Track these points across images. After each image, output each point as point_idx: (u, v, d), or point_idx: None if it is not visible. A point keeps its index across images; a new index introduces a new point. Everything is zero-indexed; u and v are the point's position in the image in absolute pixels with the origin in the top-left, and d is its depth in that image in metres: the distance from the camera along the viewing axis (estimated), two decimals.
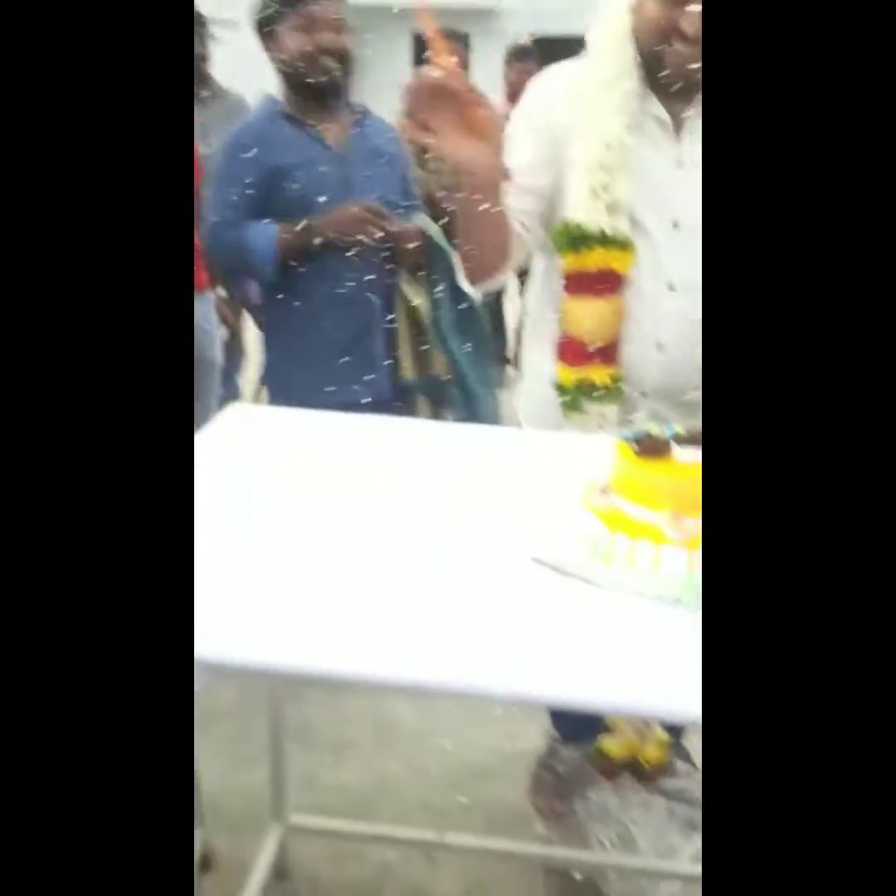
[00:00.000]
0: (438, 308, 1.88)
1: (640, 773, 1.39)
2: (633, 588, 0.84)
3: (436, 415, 1.96)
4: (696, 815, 1.63)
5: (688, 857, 1.58)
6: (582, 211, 1.22)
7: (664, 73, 1.15)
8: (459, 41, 3.56)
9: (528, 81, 4.26)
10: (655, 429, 0.90)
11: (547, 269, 1.36)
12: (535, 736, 1.88)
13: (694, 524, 0.82)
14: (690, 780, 1.69)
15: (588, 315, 1.25)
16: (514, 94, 3.94)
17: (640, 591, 0.84)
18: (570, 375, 1.28)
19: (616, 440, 0.91)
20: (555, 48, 1.31)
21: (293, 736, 1.83)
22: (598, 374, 1.26)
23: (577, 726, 1.75)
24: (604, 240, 1.21)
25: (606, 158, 1.19)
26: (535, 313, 1.37)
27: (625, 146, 1.19)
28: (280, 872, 1.51)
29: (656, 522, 0.84)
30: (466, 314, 1.91)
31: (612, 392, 1.27)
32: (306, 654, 0.76)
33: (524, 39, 4.30)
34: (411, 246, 1.82)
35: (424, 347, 1.91)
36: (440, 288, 1.85)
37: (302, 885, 1.52)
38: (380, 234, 1.80)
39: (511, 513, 0.99)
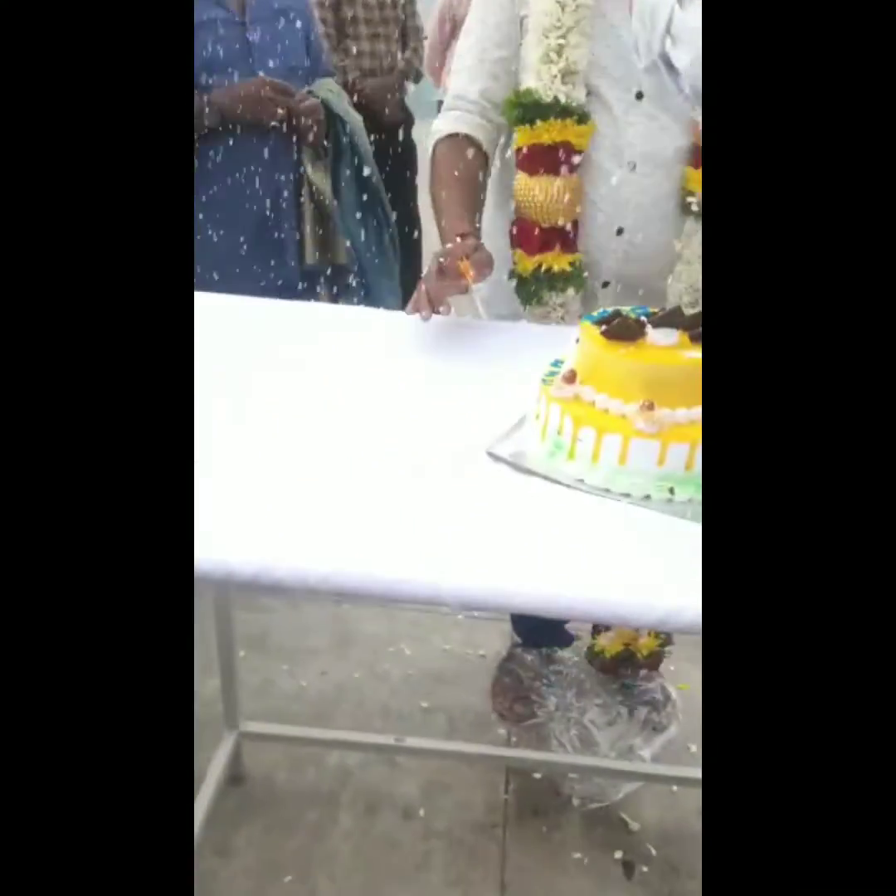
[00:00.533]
0: (340, 190, 1.76)
1: (636, 664, 1.39)
2: (598, 485, 0.77)
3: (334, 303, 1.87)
4: (657, 716, 1.64)
5: (647, 756, 1.58)
6: (534, 77, 1.10)
7: None
8: None
9: None
10: (626, 309, 0.81)
11: (503, 149, 1.24)
12: (497, 640, 1.86)
13: (667, 414, 0.74)
14: (651, 683, 1.68)
15: (543, 193, 1.14)
16: None
17: (607, 488, 0.77)
18: (528, 263, 1.18)
19: (582, 322, 0.81)
20: None
21: (250, 645, 1.80)
22: (557, 261, 1.17)
23: (538, 630, 1.74)
24: (558, 110, 1.09)
25: (560, 18, 1.07)
26: (492, 199, 1.26)
27: (580, 5, 1.07)
28: (235, 779, 1.49)
29: (626, 413, 0.76)
30: (369, 197, 1.81)
31: (573, 279, 1.17)
32: (252, 559, 0.67)
33: None
34: (313, 122, 1.69)
35: (327, 233, 1.80)
36: (342, 170, 1.74)
37: (257, 791, 1.50)
38: (282, 112, 1.65)
39: (467, 405, 0.91)
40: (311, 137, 1.70)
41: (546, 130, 1.11)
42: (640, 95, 1.11)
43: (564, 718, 1.59)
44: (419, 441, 0.84)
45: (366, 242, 1.80)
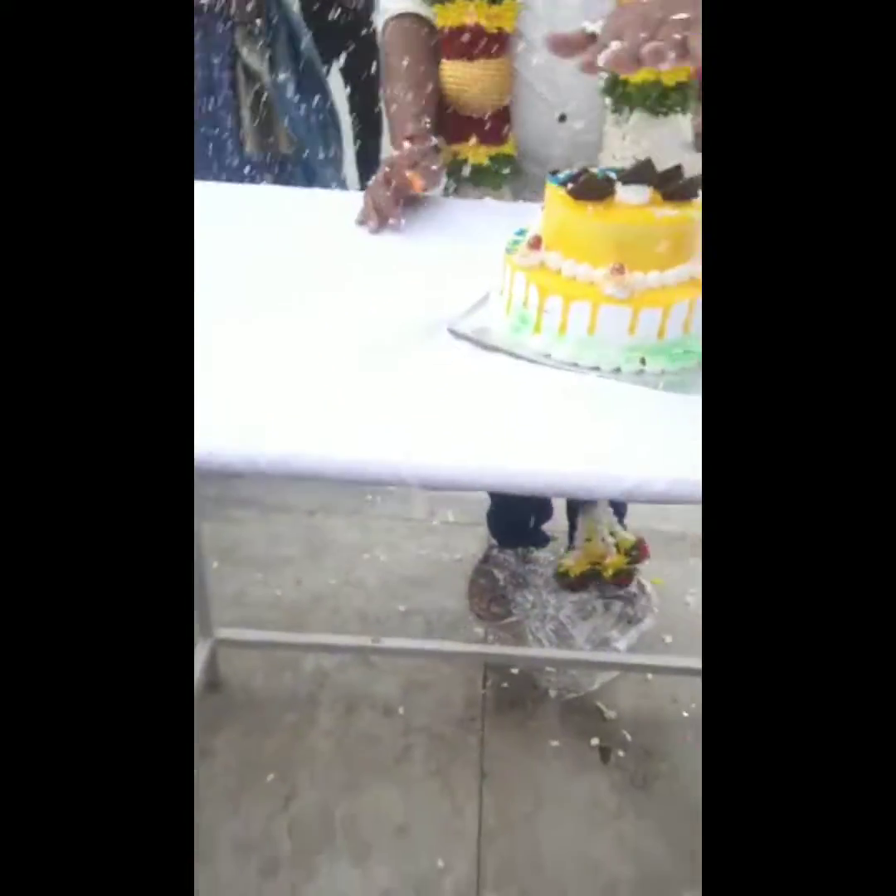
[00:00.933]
0: (276, 75, 1.65)
1: (602, 582, 1.36)
2: (566, 358, 0.73)
3: None
4: (632, 610, 1.65)
5: (622, 647, 1.60)
6: None
7: None
8: None
9: None
10: (593, 168, 0.76)
11: None
12: (473, 544, 1.86)
13: (639, 278, 0.70)
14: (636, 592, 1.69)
15: (461, 79, 1.06)
16: None
17: (575, 361, 0.73)
18: (444, 154, 1.10)
19: (547, 183, 0.76)
20: None
21: (222, 557, 1.78)
22: (474, 154, 1.10)
23: (514, 531, 1.73)
24: None
25: None
26: None
27: None
28: (212, 685, 1.49)
29: (594, 279, 0.71)
30: (307, 77, 1.70)
31: (489, 175, 1.11)
32: (201, 444, 0.63)
33: None
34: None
35: (267, 120, 1.70)
36: (280, 47, 1.63)
37: (235, 695, 1.50)
38: None
39: (430, 283, 0.85)
40: (243, 16, 1.58)
41: (455, 12, 1.02)
42: None
43: (540, 615, 1.60)
44: (378, 320, 0.80)
45: (306, 127, 1.70)
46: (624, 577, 1.40)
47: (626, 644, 1.59)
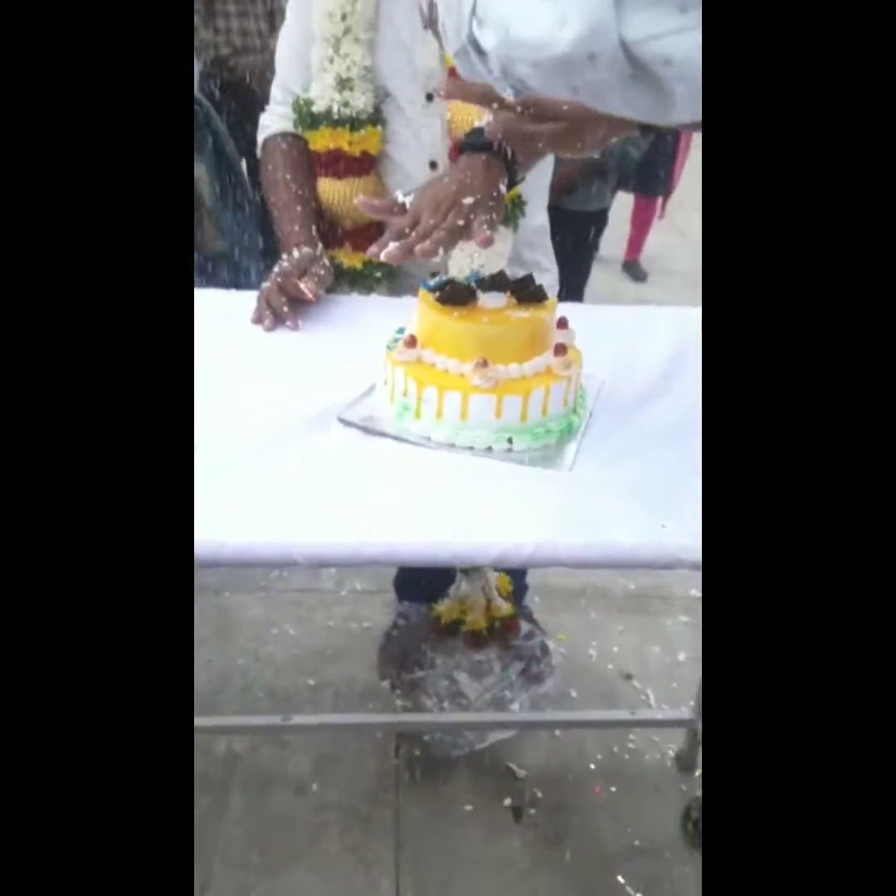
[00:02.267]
0: (208, 177, 1.75)
1: (467, 636, 1.41)
2: (443, 440, 0.81)
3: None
4: (535, 668, 1.71)
5: (517, 707, 1.64)
6: (316, 85, 1.12)
7: None
8: None
9: None
10: (459, 276, 0.86)
11: None
12: (381, 612, 1.90)
13: (501, 370, 0.79)
14: (530, 641, 1.75)
15: (332, 196, 1.17)
16: None
17: (451, 443, 0.81)
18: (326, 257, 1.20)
19: (420, 290, 0.85)
20: None
21: None
22: (348, 258, 1.21)
23: (420, 585, 1.77)
24: (331, 119, 1.12)
25: (328, 29, 1.08)
26: None
27: (348, 13, 1.08)
28: None
29: (463, 372, 0.80)
30: (235, 183, 1.81)
31: (362, 277, 1.22)
32: None
33: None
34: None
35: (197, 222, 1.79)
36: (205, 150, 1.73)
37: None
38: None
39: (315, 378, 0.93)
40: None
41: (321, 138, 1.13)
42: (430, 97, 1.13)
43: (437, 675, 1.64)
44: (273, 411, 0.86)
45: (233, 225, 1.78)
46: (477, 639, 1.44)
47: (526, 702, 1.65)
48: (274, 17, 3.33)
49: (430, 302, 0.83)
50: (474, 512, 0.72)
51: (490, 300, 0.82)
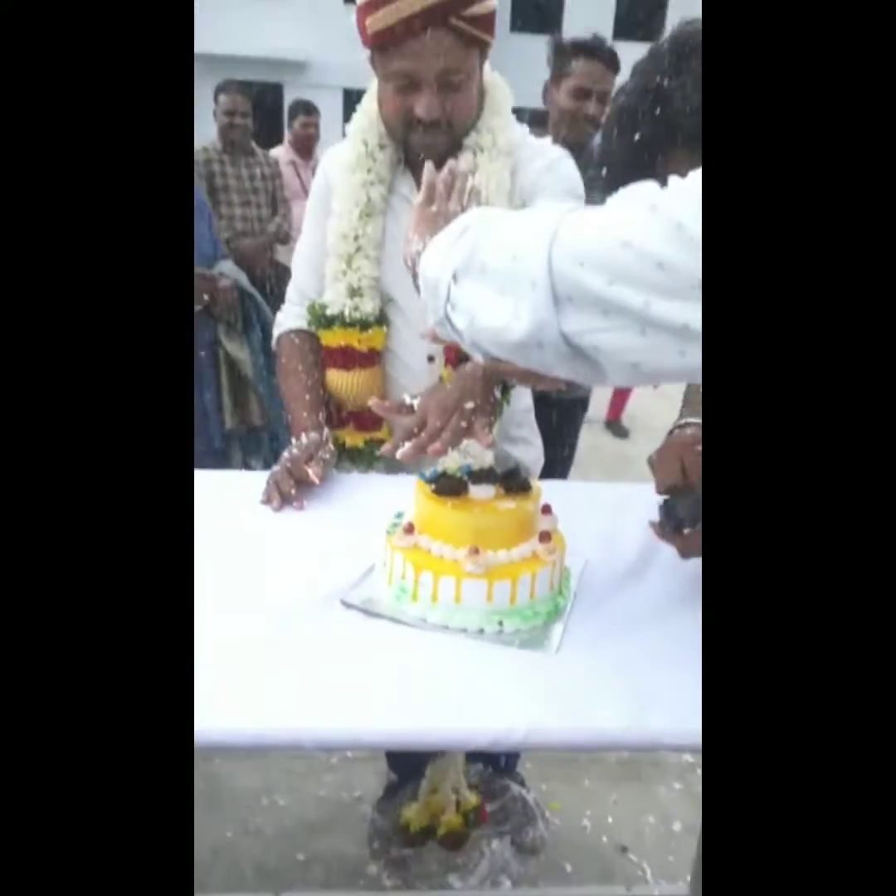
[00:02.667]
0: (253, 355, 1.91)
1: (444, 840, 1.39)
2: (438, 623, 0.87)
3: (245, 464, 2.01)
4: (527, 838, 1.68)
5: (510, 884, 1.60)
6: (329, 293, 1.28)
7: (416, 153, 1.21)
8: (272, 91, 3.77)
9: (309, 133, 4.42)
10: (452, 468, 0.95)
11: None
12: (372, 781, 1.87)
13: (491, 556, 0.87)
14: (522, 807, 1.73)
15: (340, 385, 1.31)
16: (297, 143, 4.11)
17: (445, 625, 0.87)
18: (330, 436, 1.32)
19: (417, 481, 0.94)
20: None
21: None
22: (351, 437, 1.34)
23: (414, 764, 1.76)
24: (343, 321, 1.27)
25: (342, 246, 1.26)
26: None
27: (360, 235, 1.25)
28: None
29: (457, 558, 0.88)
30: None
31: (363, 455, 1.34)
32: None
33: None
34: (229, 300, 1.85)
35: (243, 398, 1.95)
36: (254, 336, 1.89)
37: None
38: (207, 299, 1.82)
39: (319, 557, 1.00)
40: (227, 314, 1.87)
41: (333, 337, 1.29)
42: None
43: (431, 848, 1.61)
44: (279, 591, 0.93)
45: (272, 399, 1.94)
46: (455, 840, 1.40)
47: (518, 877, 1.61)
48: (275, 205, 3.69)
49: (427, 492, 0.92)
50: (468, 696, 0.77)
51: (480, 491, 0.91)
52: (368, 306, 1.27)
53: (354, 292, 1.26)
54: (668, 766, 1.99)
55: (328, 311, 1.28)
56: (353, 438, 1.34)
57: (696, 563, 1.01)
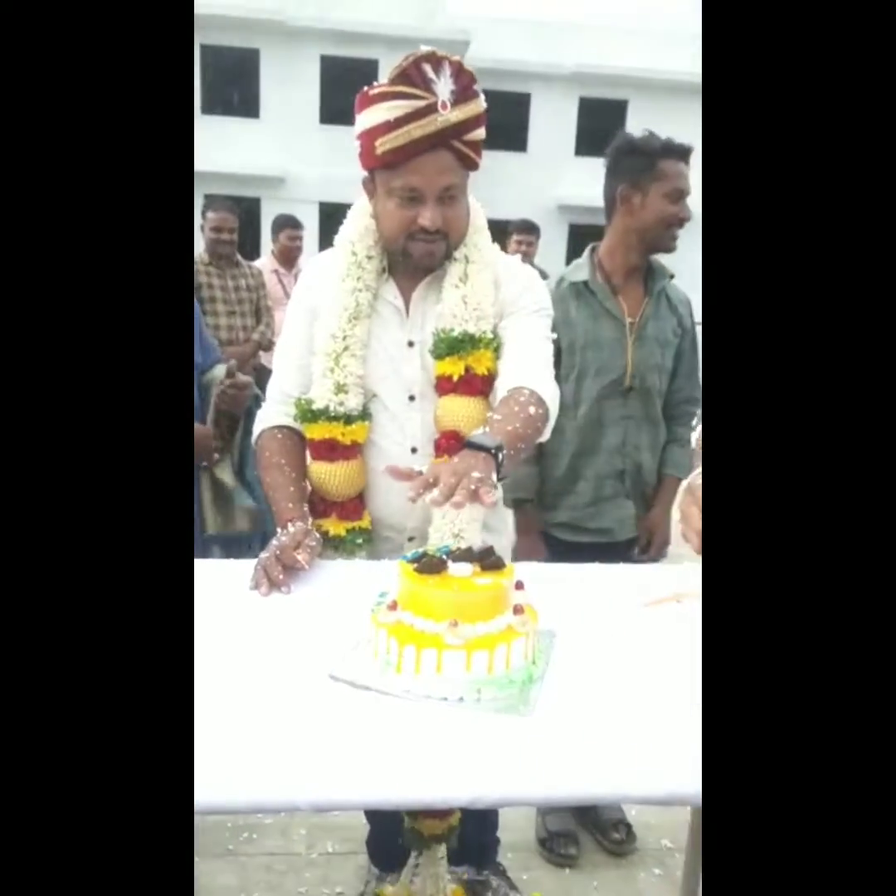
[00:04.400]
0: (246, 460, 1.92)
1: None
2: (421, 692, 0.94)
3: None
4: None
5: None
6: (316, 389, 1.39)
7: (409, 262, 1.35)
8: (250, 205, 4.04)
9: (296, 245, 4.69)
10: (431, 549, 1.04)
11: None
12: (353, 877, 1.86)
13: (470, 629, 0.95)
14: None
15: (324, 476, 1.40)
16: (282, 255, 4.34)
17: (428, 695, 0.94)
18: (313, 526, 1.38)
19: (399, 561, 1.03)
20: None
21: None
22: (334, 527, 1.41)
23: (393, 854, 1.76)
24: (328, 415, 1.37)
25: (330, 346, 1.37)
26: None
27: (348, 335, 1.37)
28: None
29: (438, 631, 0.95)
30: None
31: (347, 544, 1.41)
32: None
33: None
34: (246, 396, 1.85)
35: (227, 504, 1.93)
36: (248, 444, 1.90)
37: None
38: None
39: (310, 635, 1.07)
40: (244, 409, 1.87)
41: (318, 430, 1.39)
42: (412, 397, 1.42)
43: None
44: (272, 671, 0.99)
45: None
46: None
47: None
48: (259, 313, 3.88)
49: (409, 571, 1.00)
50: (449, 758, 0.84)
51: (459, 569, 1.00)
52: (353, 402, 1.38)
53: (340, 389, 1.37)
54: (647, 851, 2.00)
55: (314, 407, 1.38)
56: (336, 527, 1.41)
57: (660, 631, 1.09)
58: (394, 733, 0.88)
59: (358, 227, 1.40)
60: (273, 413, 1.47)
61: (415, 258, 1.34)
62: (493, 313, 1.40)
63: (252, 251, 4.18)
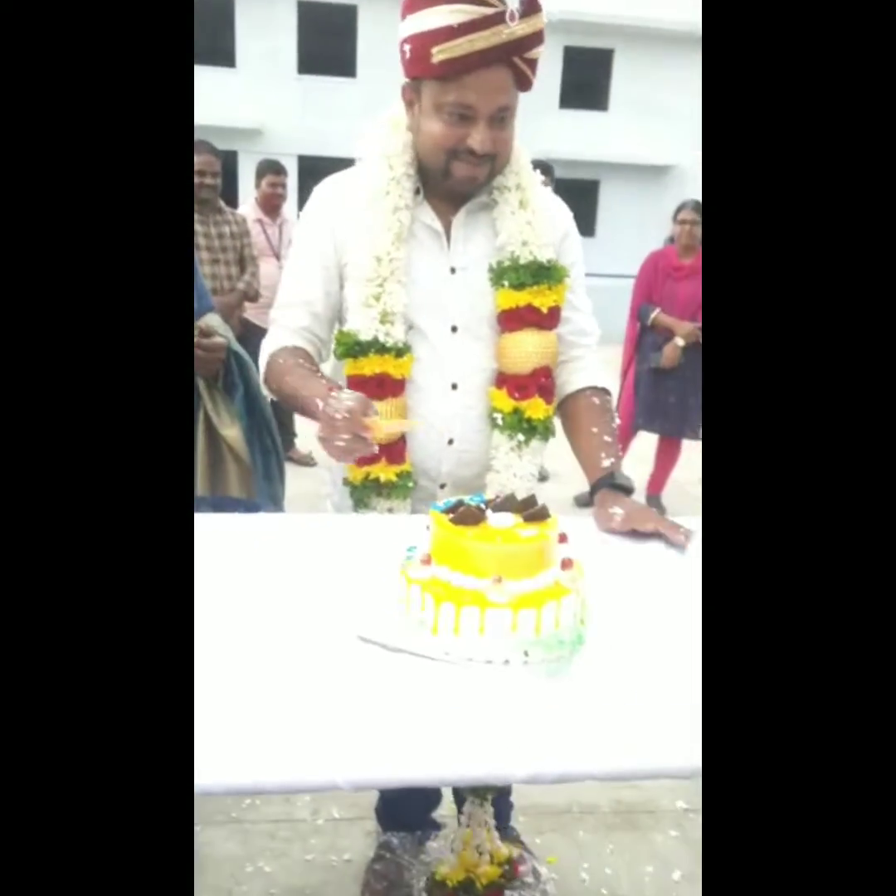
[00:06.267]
0: (234, 420, 1.78)
1: (480, 893, 1.32)
2: (462, 655, 0.85)
3: None
4: None
5: None
6: (358, 318, 1.26)
7: (448, 184, 1.23)
8: (227, 159, 3.86)
9: (278, 192, 4.48)
10: (466, 498, 0.94)
11: (334, 372, 1.38)
12: (361, 841, 1.80)
13: (515, 585, 0.86)
14: (522, 866, 1.67)
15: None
16: (264, 203, 4.17)
17: (470, 657, 0.85)
18: (358, 473, 1.30)
19: (431, 511, 0.93)
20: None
21: None
22: (384, 472, 1.29)
23: (403, 817, 1.70)
24: (378, 347, 1.25)
25: (376, 270, 1.24)
26: None
27: (394, 258, 1.24)
28: None
29: (479, 588, 0.86)
30: (260, 426, 1.85)
31: (397, 488, 1.30)
32: None
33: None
34: (216, 360, 1.67)
35: (220, 464, 1.77)
36: (235, 401, 1.77)
37: None
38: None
39: (334, 595, 0.97)
40: (213, 373, 1.69)
41: (367, 364, 1.26)
42: (454, 329, 1.31)
43: None
44: (298, 632, 0.89)
45: (256, 470, 1.80)
46: (495, 891, 1.32)
47: None
48: (243, 263, 3.71)
49: (444, 522, 0.90)
50: (499, 729, 0.75)
51: (499, 520, 0.90)
52: (399, 333, 1.26)
53: (386, 318, 1.24)
54: (662, 813, 1.95)
55: (361, 338, 1.24)
56: (386, 472, 1.28)
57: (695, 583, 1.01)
58: (435, 701, 0.79)
59: (395, 142, 1.26)
60: (281, 338, 1.32)
61: (455, 180, 1.22)
62: (554, 244, 1.30)
63: (230, 206, 4.00)
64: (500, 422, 1.32)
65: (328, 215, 1.31)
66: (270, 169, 4.14)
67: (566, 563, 0.89)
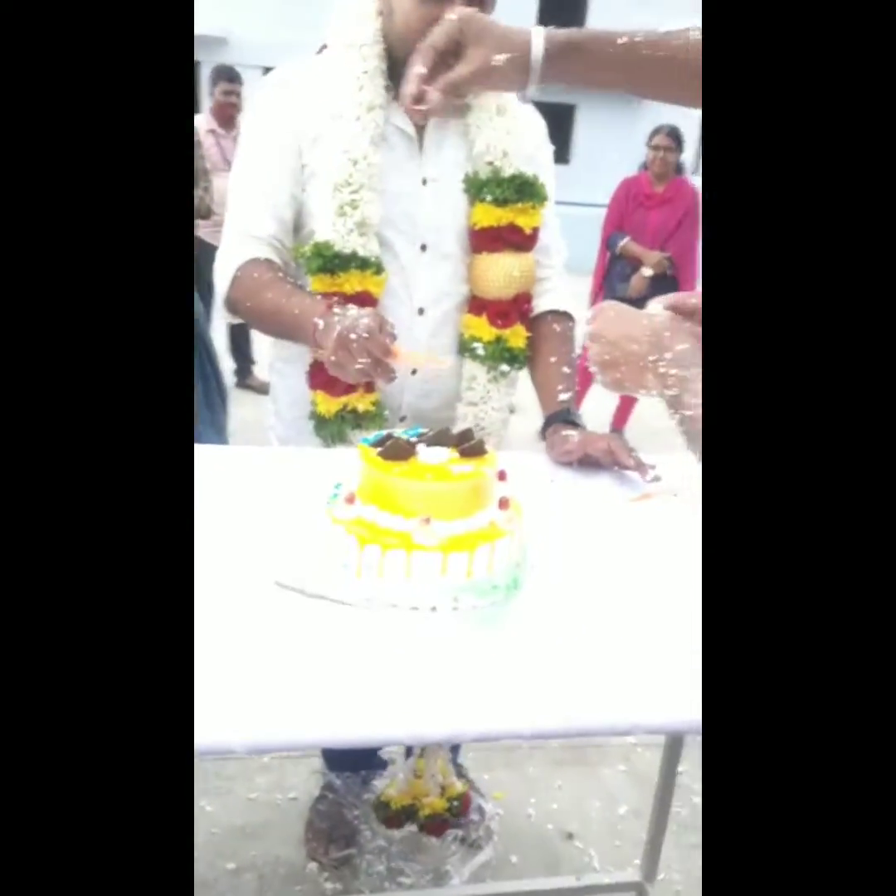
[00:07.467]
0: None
1: (422, 822, 1.30)
2: (386, 601, 0.78)
3: None
4: (473, 834, 1.61)
5: (458, 881, 1.53)
6: (329, 228, 1.11)
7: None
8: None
9: (231, 101, 4.28)
10: (398, 432, 0.86)
11: None
12: (308, 780, 1.77)
13: (445, 526, 0.78)
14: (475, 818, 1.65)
15: None
16: (218, 112, 3.92)
17: (394, 603, 0.78)
18: (332, 404, 1.18)
19: (359, 444, 0.84)
20: None
21: None
22: (360, 401, 1.18)
23: (349, 757, 1.67)
24: (358, 262, 1.11)
25: (351, 174, 1.10)
26: (286, 343, 1.21)
27: (372, 163, 1.11)
28: None
29: (407, 528, 0.78)
30: (200, 349, 1.75)
31: (374, 417, 1.19)
32: None
33: None
34: None
35: None
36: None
37: None
38: None
39: (250, 535, 0.89)
40: None
41: (347, 280, 1.12)
42: (424, 247, 1.18)
43: (375, 850, 1.52)
44: (205, 576, 0.81)
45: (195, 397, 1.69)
46: (437, 825, 1.30)
47: (468, 873, 1.54)
48: (196, 177, 3.49)
49: (371, 457, 0.82)
50: (422, 684, 0.68)
51: (431, 455, 0.82)
52: (375, 247, 1.12)
53: (363, 229, 1.11)
54: (610, 747, 1.95)
55: (338, 250, 1.10)
56: (363, 402, 1.17)
57: (657, 531, 0.95)
58: (354, 651, 0.72)
59: (365, 31, 1.11)
60: (247, 250, 1.16)
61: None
62: (531, 156, 1.19)
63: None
64: (480, 352, 1.22)
65: (288, 109, 1.15)
66: (224, 75, 3.87)
67: (503, 503, 0.82)
